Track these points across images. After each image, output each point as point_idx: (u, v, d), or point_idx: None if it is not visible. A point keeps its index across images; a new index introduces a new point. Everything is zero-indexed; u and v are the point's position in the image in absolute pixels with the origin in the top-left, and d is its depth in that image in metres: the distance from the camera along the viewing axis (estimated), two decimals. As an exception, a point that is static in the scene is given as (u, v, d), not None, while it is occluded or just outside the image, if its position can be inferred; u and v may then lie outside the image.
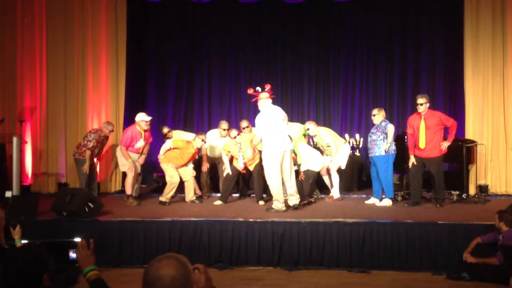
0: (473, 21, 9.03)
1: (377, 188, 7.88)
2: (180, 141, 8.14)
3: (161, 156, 8.08)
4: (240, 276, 6.16)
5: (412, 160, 7.59)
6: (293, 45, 10.49)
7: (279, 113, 7.34)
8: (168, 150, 8.03)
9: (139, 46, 10.52)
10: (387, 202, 7.73)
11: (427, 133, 7.49)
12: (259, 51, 10.59)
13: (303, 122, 9.20)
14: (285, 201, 7.32)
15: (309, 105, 10.46)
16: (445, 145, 7.52)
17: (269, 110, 7.30)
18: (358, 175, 9.46)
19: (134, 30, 10.22)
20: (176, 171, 8.00)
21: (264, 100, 7.31)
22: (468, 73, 9.08)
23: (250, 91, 7.44)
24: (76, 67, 9.59)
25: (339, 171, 8.40)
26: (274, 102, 7.53)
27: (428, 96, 7.77)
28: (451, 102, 9.90)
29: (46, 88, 9.58)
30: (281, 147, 7.15)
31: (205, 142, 8.22)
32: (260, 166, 7.90)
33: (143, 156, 8.36)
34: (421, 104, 7.52)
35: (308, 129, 8.41)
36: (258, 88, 7.38)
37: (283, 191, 7.30)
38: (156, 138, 9.30)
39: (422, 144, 7.52)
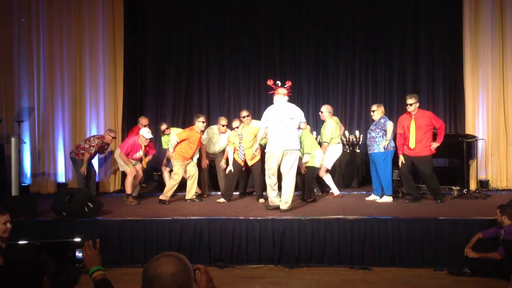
0: (472, 17, 9.06)
1: (377, 185, 7.87)
2: (182, 132, 8.08)
3: (171, 153, 8.00)
4: (241, 275, 6.13)
5: (401, 159, 7.64)
6: (291, 41, 10.47)
7: (290, 112, 7.13)
8: (177, 144, 7.93)
9: (137, 44, 10.51)
10: (387, 198, 7.72)
11: (417, 132, 7.53)
12: (257, 47, 10.57)
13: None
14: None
15: (308, 102, 10.42)
16: (435, 146, 7.58)
17: (280, 106, 7.17)
18: (358, 172, 9.44)
19: (132, 28, 10.21)
20: (182, 171, 7.98)
21: (281, 96, 7.22)
22: (468, 68, 9.09)
23: (270, 82, 7.35)
24: (74, 66, 9.58)
25: (334, 168, 8.36)
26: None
27: (417, 96, 7.82)
28: (451, 98, 9.91)
29: (43, 88, 9.56)
30: (281, 145, 7.03)
31: (205, 123, 8.11)
32: (260, 164, 7.86)
33: (141, 165, 8.25)
34: (411, 104, 7.57)
35: (321, 112, 8.31)
36: (278, 82, 7.33)
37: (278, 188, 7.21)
38: (156, 136, 9.24)
39: (412, 143, 7.55)
